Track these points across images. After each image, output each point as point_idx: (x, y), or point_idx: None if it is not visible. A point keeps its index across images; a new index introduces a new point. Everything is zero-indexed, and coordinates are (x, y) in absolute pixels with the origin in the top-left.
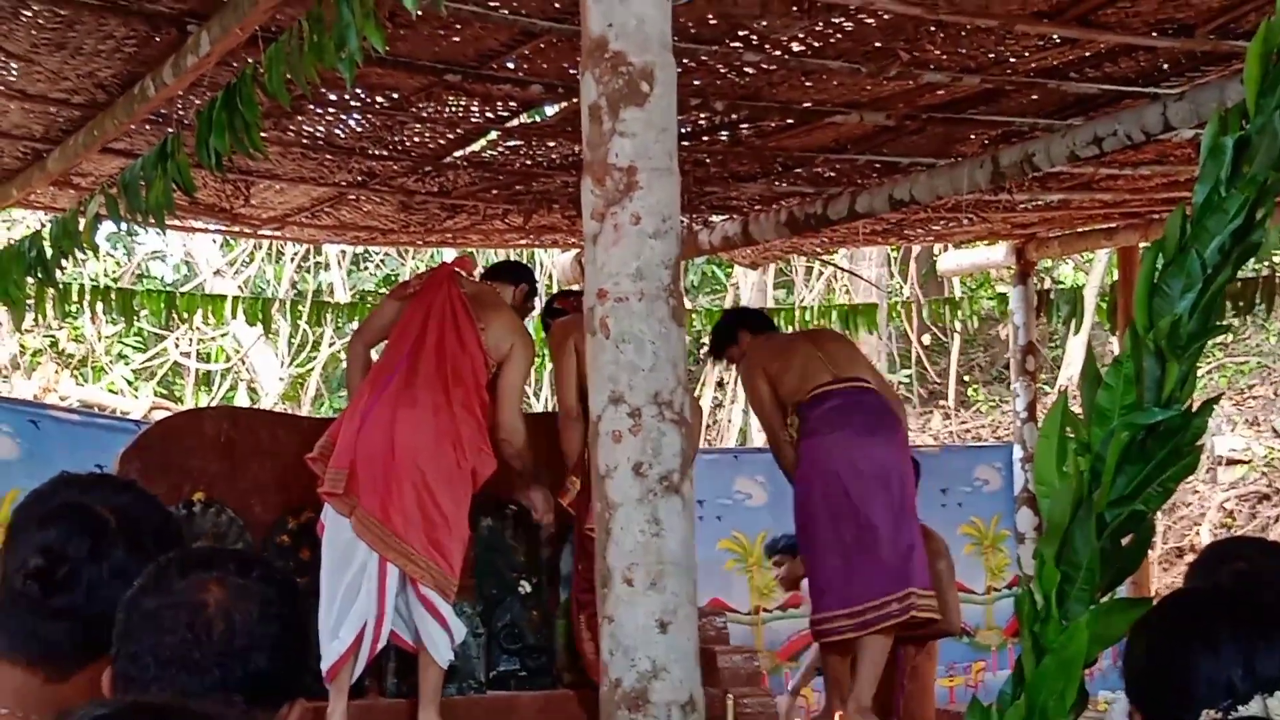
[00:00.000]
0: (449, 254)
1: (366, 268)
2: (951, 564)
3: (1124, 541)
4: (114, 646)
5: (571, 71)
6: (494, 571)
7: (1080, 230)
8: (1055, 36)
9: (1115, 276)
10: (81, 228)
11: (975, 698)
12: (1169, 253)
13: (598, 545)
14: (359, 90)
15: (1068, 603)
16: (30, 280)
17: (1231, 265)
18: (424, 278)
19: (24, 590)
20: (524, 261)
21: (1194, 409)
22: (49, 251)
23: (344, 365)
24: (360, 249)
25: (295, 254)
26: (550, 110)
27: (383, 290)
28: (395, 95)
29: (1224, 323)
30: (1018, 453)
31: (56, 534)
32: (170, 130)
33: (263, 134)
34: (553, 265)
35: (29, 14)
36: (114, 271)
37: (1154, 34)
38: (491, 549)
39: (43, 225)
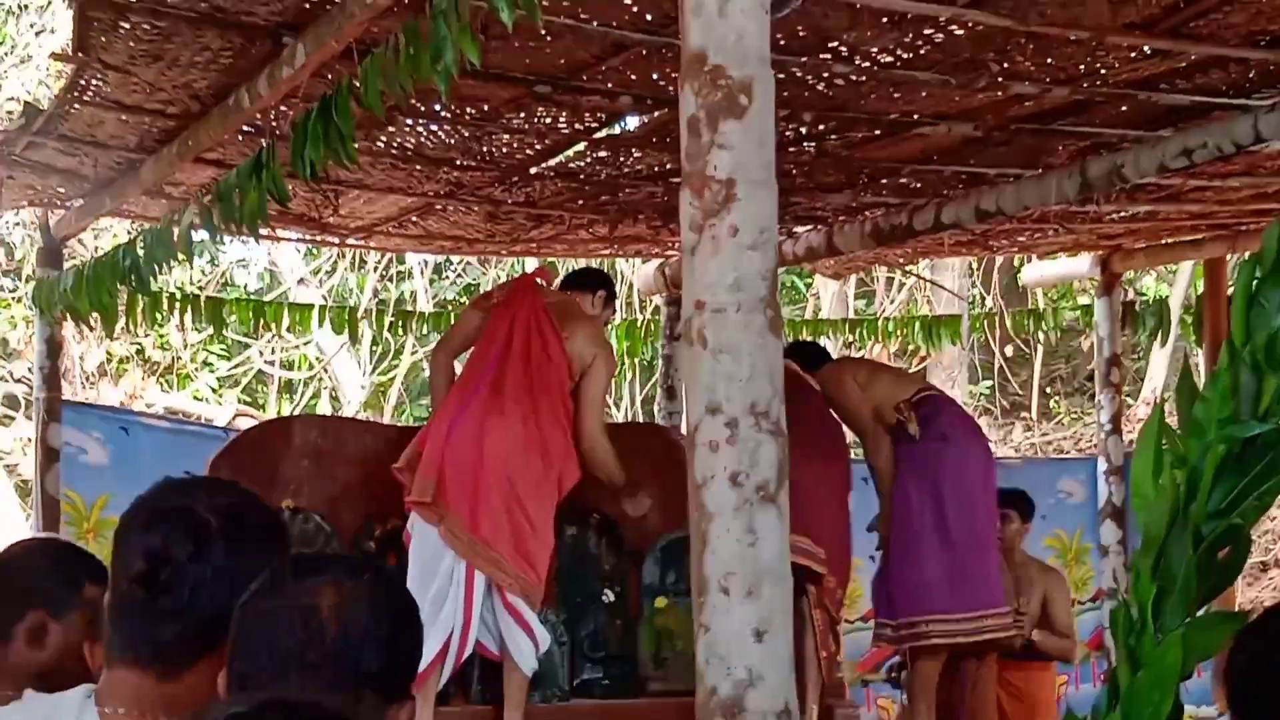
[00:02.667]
0: (531, 263)
1: (448, 276)
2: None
3: (1220, 555)
4: (229, 648)
5: (660, 83)
6: (577, 579)
7: (1167, 241)
8: (1146, 48)
9: (1200, 288)
10: (176, 237)
11: (1070, 709)
12: (1266, 266)
13: (693, 553)
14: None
15: (1164, 616)
16: (122, 288)
17: None
18: (506, 288)
19: (130, 594)
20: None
21: None
22: (143, 260)
23: (425, 374)
24: (442, 258)
25: (378, 262)
26: (634, 121)
27: (464, 299)
28: (485, 106)
29: None
30: (1101, 465)
31: (159, 537)
32: (265, 141)
33: (354, 144)
34: (634, 275)
35: (127, 26)
36: (199, 279)
37: (1246, 46)
38: (575, 557)
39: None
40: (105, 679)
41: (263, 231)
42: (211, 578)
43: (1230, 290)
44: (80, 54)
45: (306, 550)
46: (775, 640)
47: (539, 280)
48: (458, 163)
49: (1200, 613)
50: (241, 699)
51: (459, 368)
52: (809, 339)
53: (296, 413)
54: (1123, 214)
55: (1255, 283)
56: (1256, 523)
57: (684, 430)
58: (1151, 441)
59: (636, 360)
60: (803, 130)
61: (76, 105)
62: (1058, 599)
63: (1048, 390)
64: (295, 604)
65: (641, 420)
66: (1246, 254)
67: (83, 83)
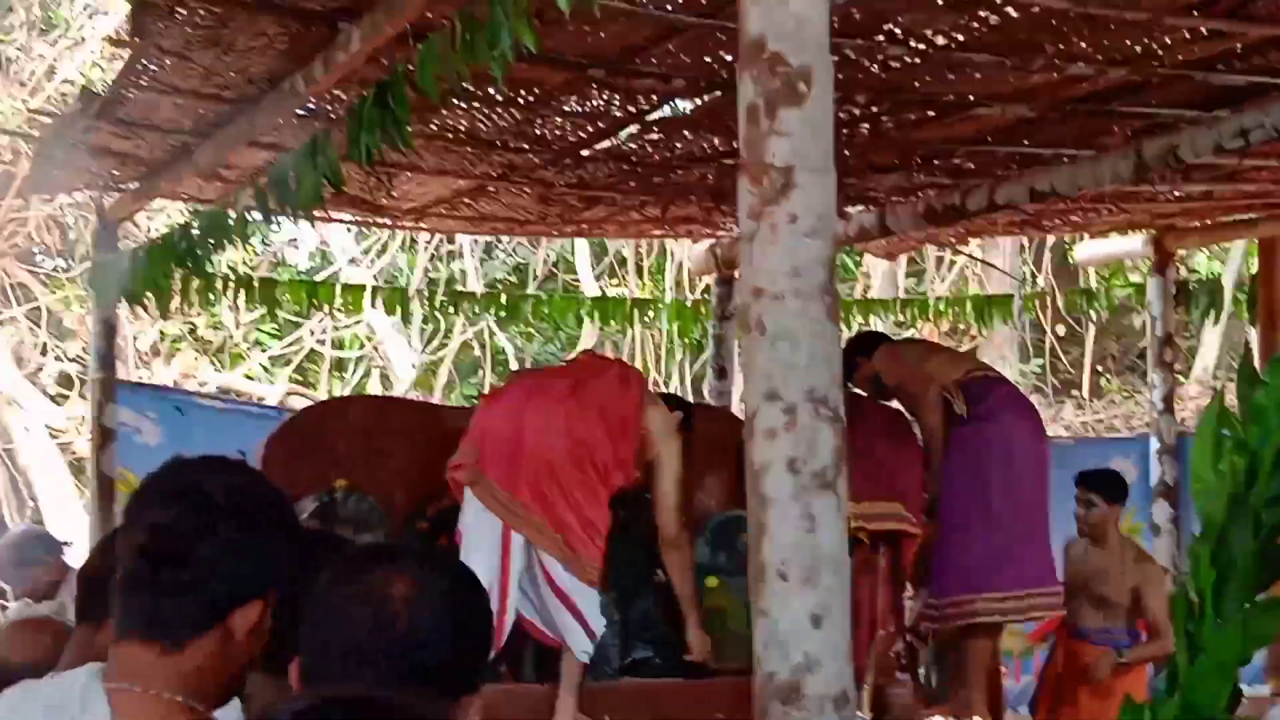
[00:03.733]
0: (582, 244)
1: (498, 256)
2: None
3: None
4: (300, 640)
5: (713, 65)
6: (628, 560)
7: (1221, 220)
8: (1203, 29)
9: (1254, 267)
10: (232, 221)
11: (1128, 696)
12: None
13: (751, 540)
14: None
15: (1223, 602)
16: (177, 270)
17: None
18: None
19: (136, 569)
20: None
21: None
22: (198, 243)
23: (474, 353)
24: (492, 238)
25: (429, 242)
26: (686, 104)
27: (514, 279)
28: (538, 90)
29: None
30: (1154, 444)
31: (165, 513)
32: (320, 125)
33: (409, 128)
34: (685, 257)
35: (184, 12)
36: (251, 259)
37: None
38: (626, 537)
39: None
40: (112, 655)
41: (316, 214)
42: (216, 554)
43: None
44: (137, 39)
45: (371, 538)
46: (833, 626)
47: None
48: (510, 145)
49: (1260, 598)
50: (304, 696)
51: None
52: (862, 328)
53: (347, 392)
54: (1177, 193)
55: None
56: None
57: (734, 409)
58: (1211, 427)
59: (687, 340)
60: (856, 112)
61: (133, 90)
62: (1151, 591)
63: (1099, 369)
64: (366, 594)
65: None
66: None
67: (139, 67)
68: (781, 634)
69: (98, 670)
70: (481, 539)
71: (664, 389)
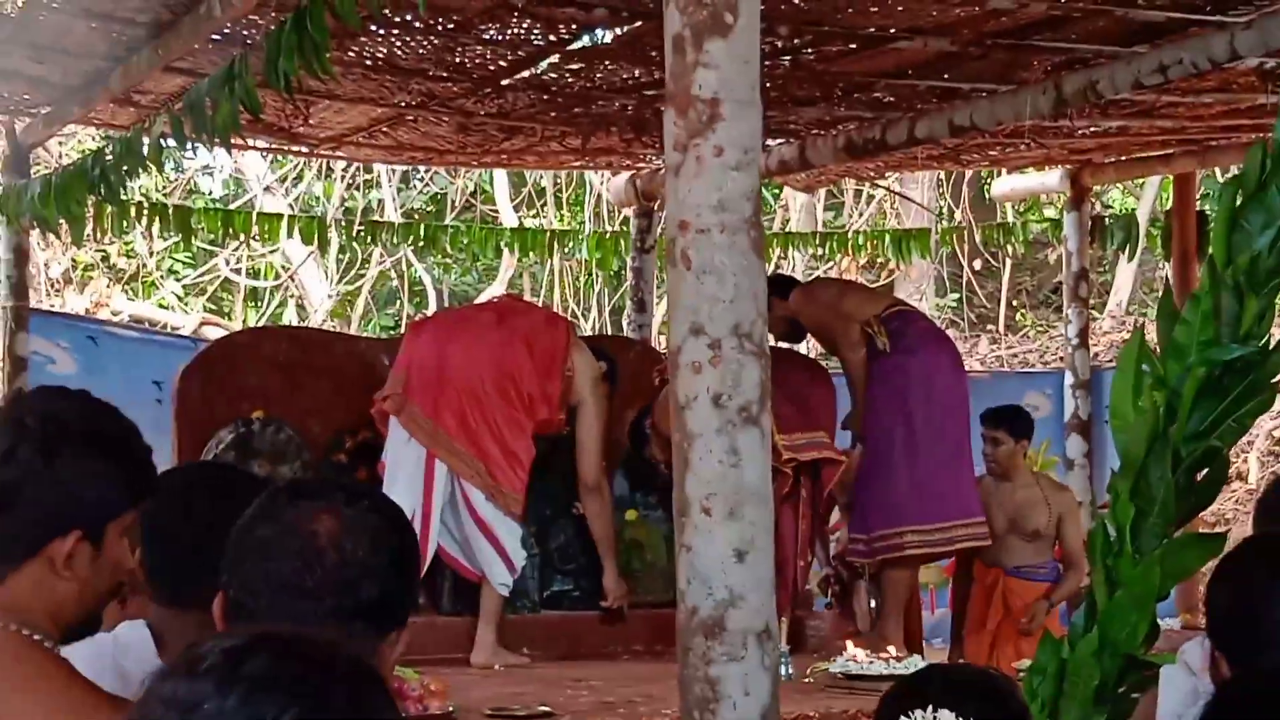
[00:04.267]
0: (501, 175)
1: (415, 185)
2: None
3: (1198, 477)
4: (225, 574)
5: None
6: (547, 493)
7: (1137, 156)
8: None
9: (1168, 203)
10: (146, 147)
11: (1046, 631)
12: (1248, 188)
13: (675, 474)
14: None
15: (1141, 537)
16: (90, 197)
17: None
18: None
19: None
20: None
21: (1271, 345)
22: (112, 169)
23: (393, 283)
24: (410, 166)
25: (345, 170)
26: (606, 34)
27: (431, 209)
28: (458, 17)
29: None
30: (1068, 379)
31: None
32: (236, 51)
33: (327, 54)
34: (604, 188)
35: None
36: (164, 186)
37: None
38: (544, 470)
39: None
40: None
41: (232, 141)
42: (20, 479)
43: (1198, 204)
44: None
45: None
46: (757, 561)
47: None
48: (429, 73)
49: (1178, 534)
50: (234, 633)
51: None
52: (777, 265)
53: (262, 322)
54: (1094, 129)
55: (1236, 205)
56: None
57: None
58: (1131, 363)
59: (605, 272)
60: (778, 44)
61: (44, 13)
62: (1069, 520)
63: (1014, 303)
64: (293, 530)
65: (610, 332)
66: (1216, 169)
67: None
68: (705, 568)
69: None
70: (404, 468)
71: (583, 322)
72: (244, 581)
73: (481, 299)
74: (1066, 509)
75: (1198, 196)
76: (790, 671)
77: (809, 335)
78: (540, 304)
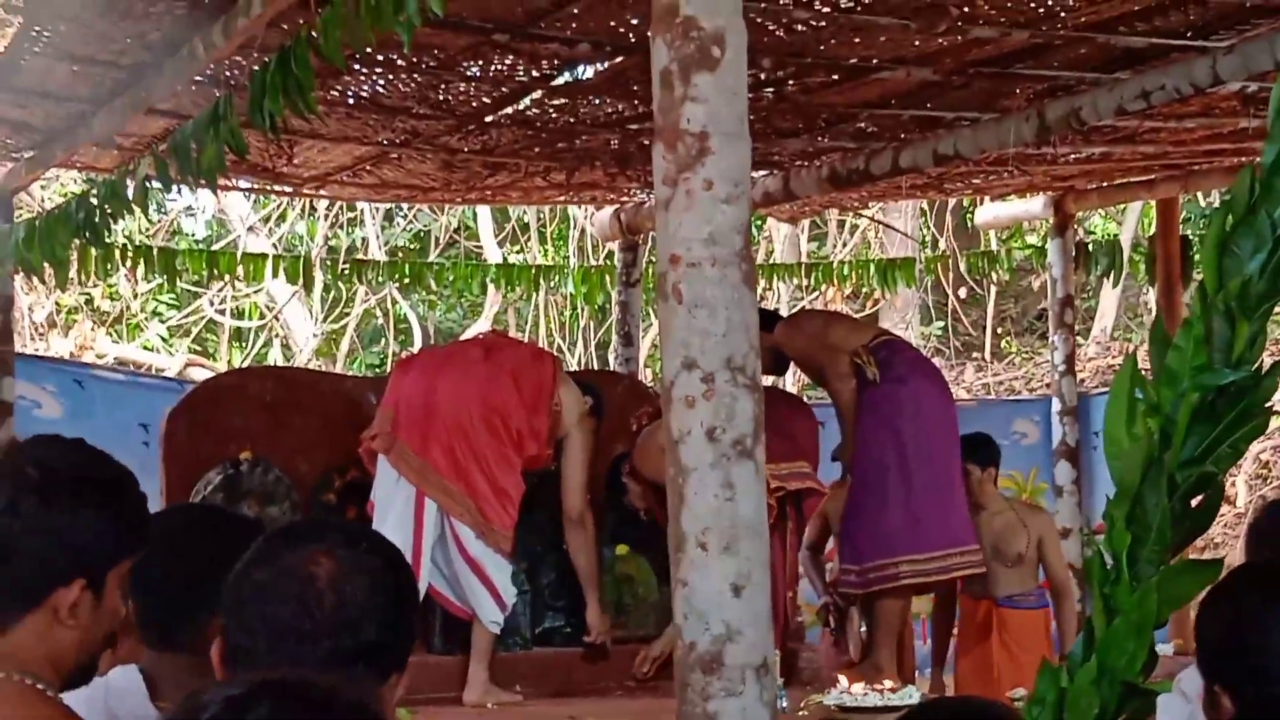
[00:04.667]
0: (484, 211)
1: (399, 223)
2: None
3: (1194, 503)
4: (225, 619)
5: (619, 29)
6: (536, 529)
7: (1120, 182)
8: None
9: (1152, 228)
10: (131, 190)
11: (1044, 660)
12: (1238, 213)
13: (670, 510)
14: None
15: (1138, 564)
16: (75, 241)
17: None
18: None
19: None
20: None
21: (1263, 369)
22: (96, 213)
23: (379, 322)
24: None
25: (329, 209)
26: (588, 69)
27: (415, 246)
28: (441, 55)
29: None
30: (1055, 406)
31: None
32: (219, 92)
33: (312, 94)
34: (589, 223)
35: None
36: (147, 229)
37: None
38: (533, 506)
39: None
40: None
41: (217, 181)
42: (22, 530)
43: (1181, 229)
44: (30, 5)
45: (278, 511)
46: (753, 594)
47: None
48: (413, 111)
49: (1174, 561)
50: (236, 682)
51: None
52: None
53: (248, 362)
54: (1077, 155)
55: (1227, 230)
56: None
57: (639, 376)
58: (1125, 390)
59: (591, 306)
60: (761, 76)
61: (26, 57)
62: (1049, 541)
63: (999, 331)
64: (291, 574)
65: (597, 367)
66: (1199, 194)
67: (33, 34)
68: (702, 603)
69: None
70: (394, 507)
71: (569, 357)
72: (242, 625)
73: (467, 335)
74: (1045, 530)
75: (1180, 221)
76: (785, 704)
77: (791, 367)
78: (526, 339)
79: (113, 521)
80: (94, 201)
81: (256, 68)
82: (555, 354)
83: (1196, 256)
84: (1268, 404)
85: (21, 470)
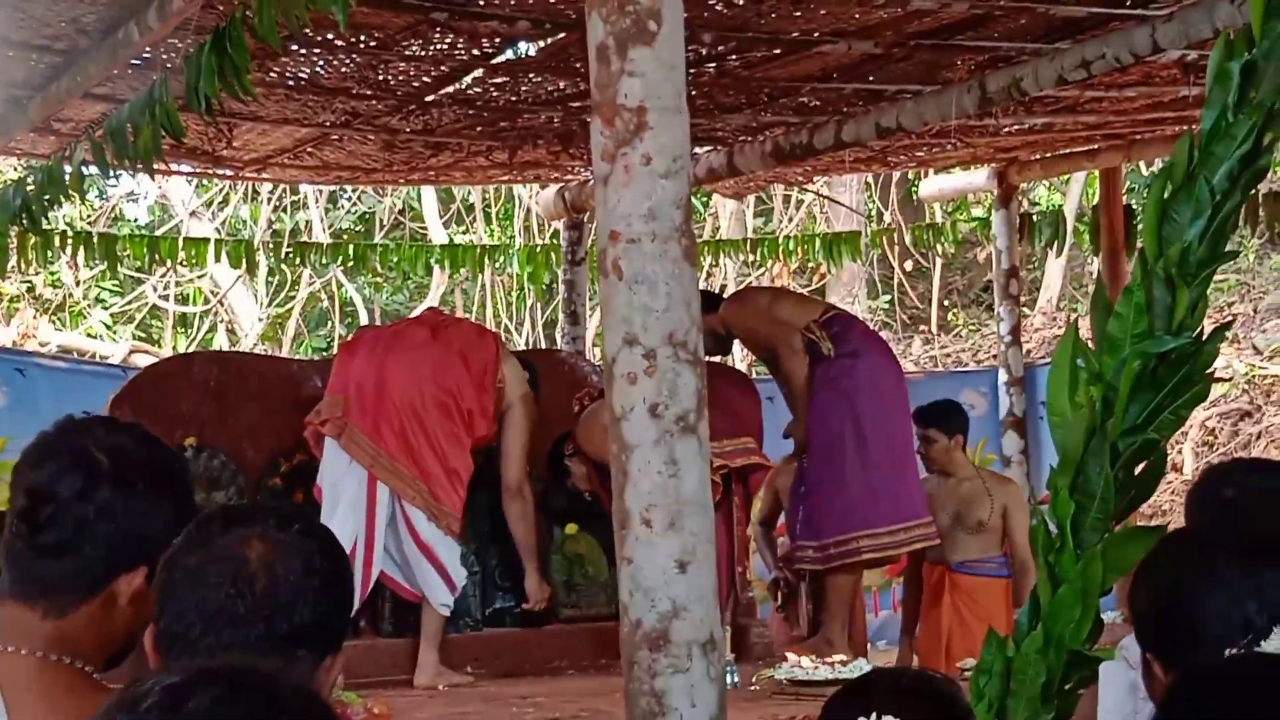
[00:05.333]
0: (429, 192)
1: (343, 205)
2: None
3: (1137, 470)
4: (157, 604)
5: (559, 6)
6: (487, 510)
7: (1062, 152)
8: None
9: (1095, 198)
10: (68, 175)
11: (991, 629)
12: (1177, 180)
13: (614, 487)
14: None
15: (1082, 532)
16: (13, 228)
17: (1240, 190)
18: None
19: (16, 530)
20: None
21: (1204, 336)
22: (33, 199)
23: (324, 304)
24: (337, 186)
25: (272, 193)
26: (530, 47)
27: (359, 228)
28: (380, 34)
29: (1232, 249)
30: (1002, 377)
31: (46, 473)
32: (156, 75)
33: (248, 76)
34: (534, 201)
35: None
36: (88, 214)
37: None
38: (483, 487)
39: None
40: None
41: (155, 166)
42: (96, 516)
43: (1124, 199)
44: None
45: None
46: (699, 571)
47: None
48: (353, 92)
49: (1118, 528)
50: (174, 669)
51: None
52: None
53: (193, 347)
54: (1020, 127)
55: (1166, 197)
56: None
57: (586, 355)
58: (1066, 359)
59: (537, 285)
60: (703, 51)
61: None
62: (1015, 511)
63: (946, 303)
64: (223, 557)
65: (545, 345)
66: (1141, 163)
67: None
68: (647, 581)
69: None
70: (346, 492)
71: (516, 336)
72: (175, 610)
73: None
74: (1011, 499)
75: (1124, 191)
76: (736, 680)
77: (735, 346)
78: (473, 319)
79: (177, 510)
80: (31, 187)
81: (192, 50)
82: (496, 331)
83: (1140, 225)
84: (1209, 370)
85: (91, 456)
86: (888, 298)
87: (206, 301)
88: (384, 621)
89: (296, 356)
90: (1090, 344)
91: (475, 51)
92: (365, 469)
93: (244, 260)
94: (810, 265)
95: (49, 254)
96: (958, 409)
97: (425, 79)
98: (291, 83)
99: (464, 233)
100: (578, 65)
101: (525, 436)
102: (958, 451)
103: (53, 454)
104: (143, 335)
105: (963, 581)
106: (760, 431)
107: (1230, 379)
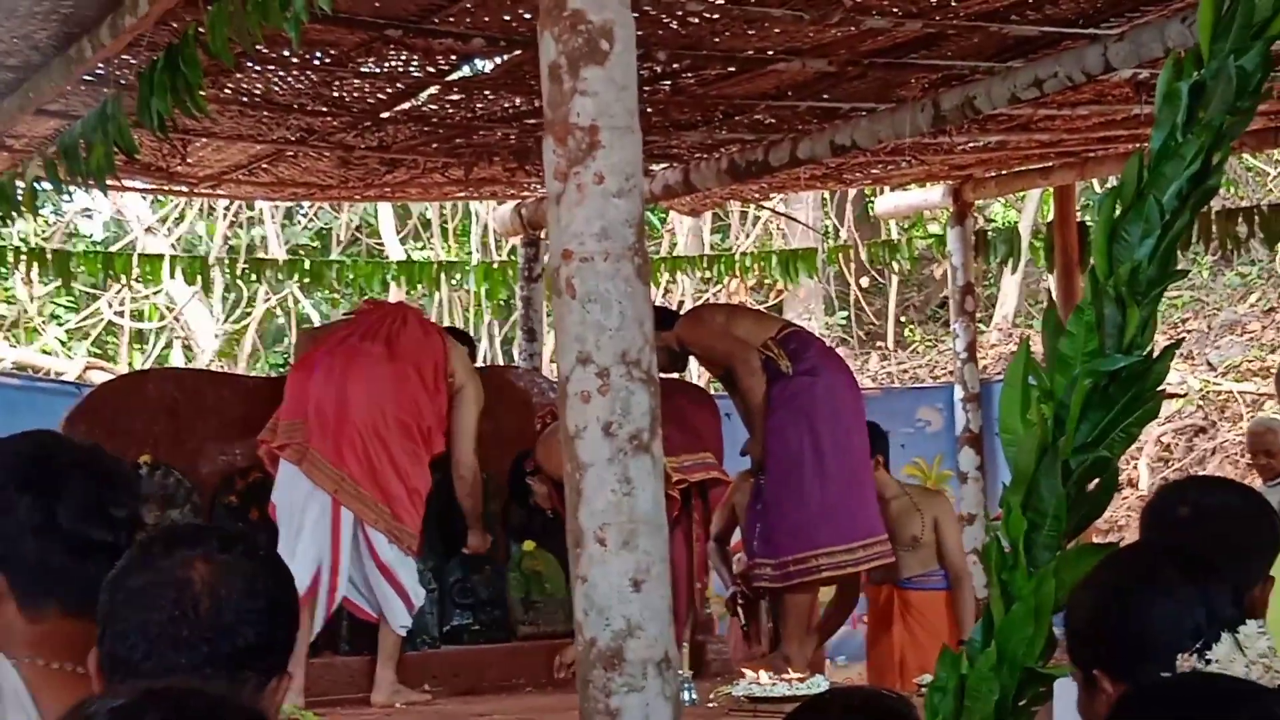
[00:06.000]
0: (386, 208)
1: (299, 221)
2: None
3: (1089, 487)
4: (100, 626)
5: (513, 24)
6: (444, 527)
7: (1017, 170)
8: None
9: (1049, 215)
10: (21, 192)
11: (945, 647)
12: (1127, 199)
13: (568, 505)
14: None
15: (1035, 550)
16: None
17: (1190, 210)
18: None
19: (65, 551)
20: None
21: (1155, 354)
22: None
23: (279, 320)
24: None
25: (228, 209)
26: (485, 64)
27: (316, 244)
28: (334, 51)
29: (1182, 268)
30: (958, 393)
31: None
32: (109, 91)
33: (201, 92)
34: (490, 217)
35: None
36: (43, 230)
37: None
38: (440, 504)
39: None
40: (21, 629)
41: (109, 182)
42: (15, 531)
43: (1079, 216)
44: None
45: (179, 515)
46: (653, 589)
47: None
48: (308, 108)
49: (1071, 546)
50: (119, 691)
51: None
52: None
53: (149, 364)
54: (974, 144)
55: (1116, 216)
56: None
57: (545, 373)
58: (1019, 377)
59: (494, 302)
60: (657, 69)
61: None
62: (947, 523)
63: (902, 319)
64: (166, 579)
65: (502, 362)
66: (1094, 180)
67: None
68: (601, 599)
69: None
70: (309, 516)
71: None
72: (118, 633)
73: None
74: (940, 512)
75: (1078, 208)
76: (694, 697)
77: (690, 364)
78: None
79: (41, 511)
80: None
81: (145, 66)
82: (436, 324)
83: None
84: (1159, 388)
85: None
86: (844, 314)
87: (162, 318)
88: (341, 640)
89: (253, 373)
90: (1042, 362)
91: (430, 69)
92: (329, 494)
93: (199, 276)
94: (767, 282)
95: (2, 270)
96: (877, 430)
97: (380, 95)
98: (245, 99)
99: (421, 249)
100: (533, 83)
101: (475, 415)
102: (880, 471)
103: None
104: (98, 352)
105: (912, 598)
106: (720, 446)
107: (1185, 395)
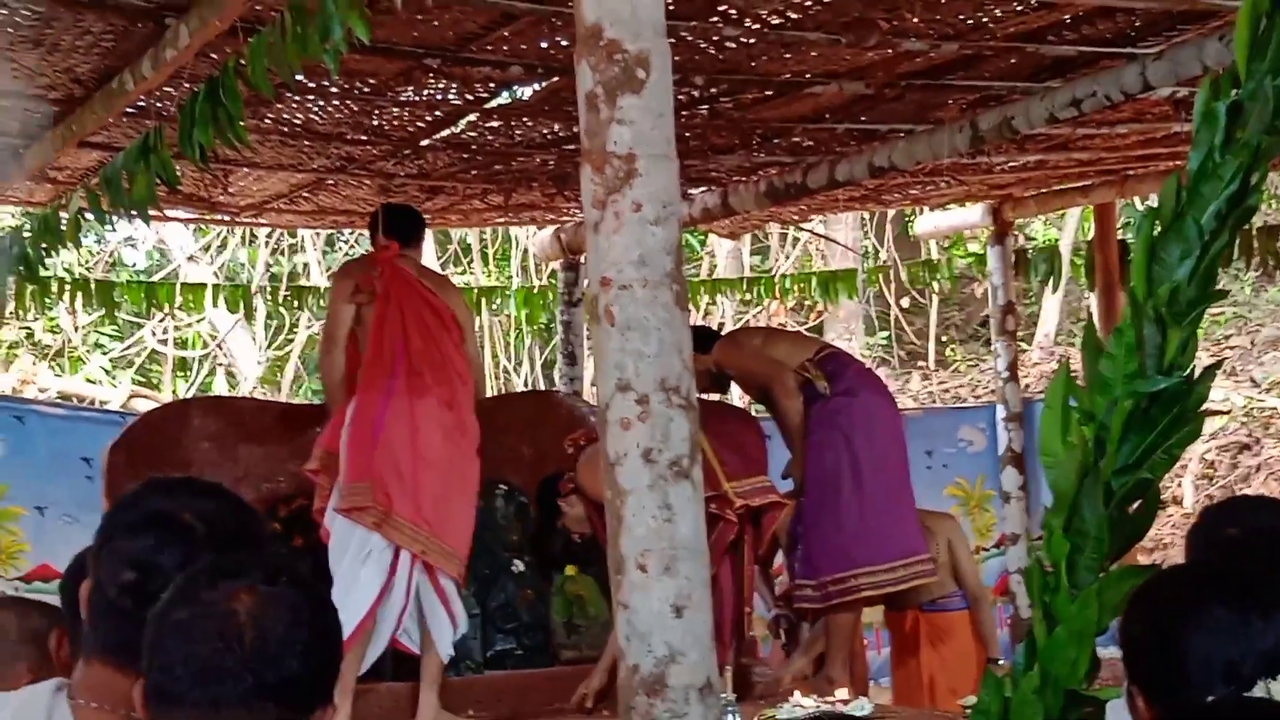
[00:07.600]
0: (427, 233)
1: (340, 248)
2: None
3: (1131, 509)
4: (144, 660)
5: (550, 51)
6: (486, 551)
7: (1056, 189)
8: (1033, 0)
9: (1090, 233)
10: (64, 224)
11: (988, 669)
12: (1165, 219)
13: (609, 531)
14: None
15: (1077, 572)
16: (10, 276)
17: (1228, 230)
18: (370, 273)
19: (117, 601)
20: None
21: (1195, 375)
22: (30, 248)
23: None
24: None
25: (269, 236)
26: (525, 90)
27: None
28: (373, 81)
29: (1222, 288)
30: (1000, 412)
31: (147, 545)
32: (151, 123)
33: (242, 123)
34: (530, 242)
35: (4, 12)
36: (87, 260)
37: None
38: (483, 528)
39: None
40: (81, 673)
41: (152, 212)
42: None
43: (1119, 234)
44: None
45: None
46: (695, 615)
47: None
48: (348, 137)
49: (1113, 567)
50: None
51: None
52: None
53: (192, 392)
54: (1013, 164)
55: (1155, 237)
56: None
57: (585, 397)
58: (1059, 399)
59: (535, 326)
60: (695, 94)
61: None
62: (958, 544)
63: (943, 339)
64: (211, 612)
65: (543, 386)
66: (1135, 198)
67: None
68: (643, 626)
69: (59, 685)
70: (374, 544)
71: (515, 377)
72: (163, 665)
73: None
74: (952, 534)
75: (1119, 226)
76: None
77: (732, 386)
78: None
79: None
80: (27, 235)
81: (186, 98)
82: (461, 326)
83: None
84: (1200, 409)
85: (188, 525)
86: (885, 334)
87: (205, 345)
88: (385, 666)
89: (296, 400)
90: (1082, 383)
91: (469, 96)
92: (411, 551)
93: (242, 304)
94: (807, 303)
95: (47, 300)
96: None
97: (420, 124)
98: (286, 129)
99: (461, 274)
100: (571, 109)
101: (475, 339)
102: None
103: (148, 522)
104: (142, 380)
105: (937, 620)
106: (766, 467)
107: (1229, 412)
